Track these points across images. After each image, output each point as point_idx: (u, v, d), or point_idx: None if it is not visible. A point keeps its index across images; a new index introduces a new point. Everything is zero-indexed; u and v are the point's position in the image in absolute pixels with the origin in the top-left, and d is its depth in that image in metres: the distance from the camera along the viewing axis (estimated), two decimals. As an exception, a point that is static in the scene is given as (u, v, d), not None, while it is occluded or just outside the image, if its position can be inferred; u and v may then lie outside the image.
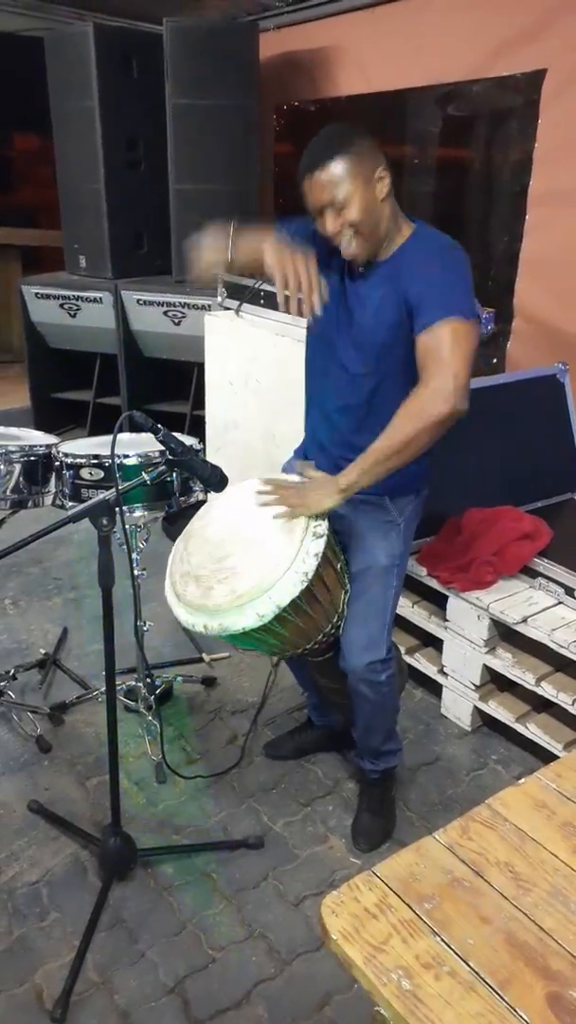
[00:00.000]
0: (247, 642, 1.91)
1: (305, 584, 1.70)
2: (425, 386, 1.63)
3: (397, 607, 2.04)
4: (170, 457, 1.76)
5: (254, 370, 3.21)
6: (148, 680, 2.52)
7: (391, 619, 2.00)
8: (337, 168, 1.68)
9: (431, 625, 2.63)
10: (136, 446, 2.23)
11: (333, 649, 1.98)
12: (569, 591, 2.36)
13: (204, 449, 3.52)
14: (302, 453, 2.11)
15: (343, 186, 1.69)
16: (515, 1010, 0.92)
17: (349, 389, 1.89)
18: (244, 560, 1.76)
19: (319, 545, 1.73)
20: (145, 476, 1.77)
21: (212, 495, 1.97)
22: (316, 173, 1.69)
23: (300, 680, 2.41)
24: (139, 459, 2.12)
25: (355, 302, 1.84)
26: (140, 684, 2.51)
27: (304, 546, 1.73)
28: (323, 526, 1.77)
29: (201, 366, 3.73)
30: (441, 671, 2.62)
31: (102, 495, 1.68)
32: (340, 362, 1.89)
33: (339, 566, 1.91)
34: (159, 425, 1.71)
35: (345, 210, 1.71)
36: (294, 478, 1.94)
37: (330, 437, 1.97)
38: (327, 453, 1.98)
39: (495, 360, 3.68)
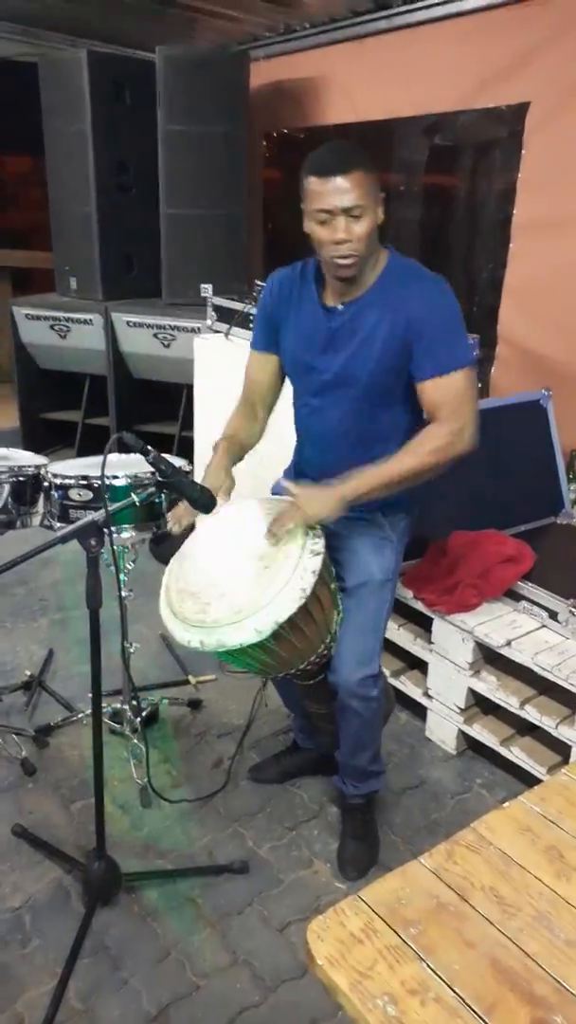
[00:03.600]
0: (240, 661, 1.91)
1: (303, 600, 1.71)
2: (447, 425, 1.77)
3: (389, 619, 2.07)
4: (160, 479, 1.77)
5: (242, 393, 3.23)
6: (134, 702, 2.51)
7: (383, 634, 2.02)
8: (361, 177, 1.71)
9: (416, 648, 2.64)
10: (125, 467, 2.24)
11: (323, 672, 1.98)
12: (552, 615, 2.38)
13: (192, 470, 3.53)
14: (291, 473, 2.13)
15: (364, 197, 1.72)
16: (500, 1036, 0.93)
17: (340, 418, 1.93)
18: (241, 577, 1.77)
19: (316, 563, 1.75)
20: (134, 497, 1.78)
21: (202, 516, 1.98)
22: (340, 176, 1.70)
23: (286, 701, 2.41)
24: (128, 480, 2.13)
25: (339, 334, 1.87)
26: (126, 707, 2.50)
27: (302, 563, 1.74)
28: (320, 544, 1.79)
29: (190, 388, 3.75)
30: (426, 694, 2.63)
31: (91, 516, 1.69)
32: (329, 397, 1.93)
33: (333, 587, 1.93)
34: (149, 447, 1.72)
35: (358, 222, 1.73)
36: (286, 498, 1.96)
37: (322, 461, 1.99)
38: (316, 476, 2.00)
39: (479, 385, 3.71)
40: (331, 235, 1.75)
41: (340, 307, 1.86)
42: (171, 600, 1.85)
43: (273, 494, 2.14)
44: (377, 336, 1.81)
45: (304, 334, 1.93)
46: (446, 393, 1.78)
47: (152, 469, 1.76)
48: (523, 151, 3.51)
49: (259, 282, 3.21)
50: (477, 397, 1.81)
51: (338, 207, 1.72)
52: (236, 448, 2.03)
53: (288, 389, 2.09)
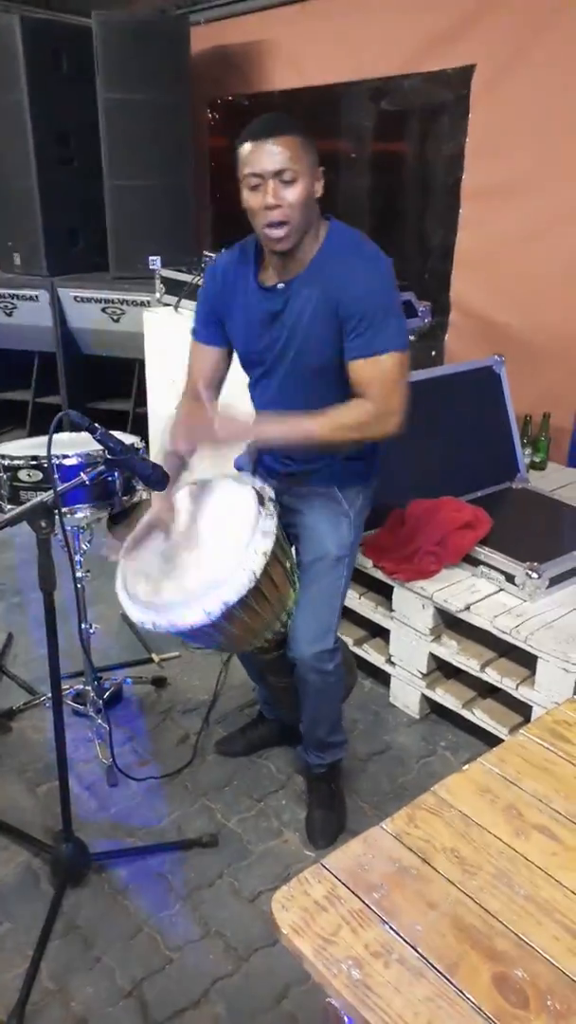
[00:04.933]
0: (196, 639, 1.91)
1: (253, 582, 1.71)
2: (373, 404, 1.75)
3: (347, 593, 2.08)
4: (109, 457, 1.74)
5: (195, 367, 3.19)
6: (96, 683, 2.49)
7: (339, 608, 2.03)
8: (292, 142, 1.67)
9: (378, 616, 2.66)
10: (76, 446, 2.20)
11: (282, 647, 1.98)
12: (510, 578, 2.41)
13: (147, 447, 3.49)
14: (255, 449, 2.11)
15: (294, 161, 1.67)
16: (463, 993, 0.94)
17: (287, 398, 1.90)
18: (193, 558, 1.77)
19: (267, 543, 1.74)
20: (84, 476, 1.75)
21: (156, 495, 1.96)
22: (270, 138, 1.66)
23: (251, 674, 2.42)
24: (79, 459, 2.09)
25: (279, 314, 1.84)
26: (88, 687, 2.48)
27: (253, 544, 1.74)
28: (271, 524, 1.78)
29: (142, 363, 3.70)
30: (389, 661, 2.65)
31: (39, 497, 1.66)
32: (274, 377, 1.91)
33: (288, 564, 1.92)
34: (96, 424, 1.69)
35: (289, 187, 1.68)
36: (246, 476, 1.96)
37: None
38: (273, 453, 2.02)
39: (434, 353, 3.72)
40: (261, 200, 1.69)
41: (280, 286, 1.82)
42: (126, 581, 1.85)
43: (236, 468, 2.12)
44: (315, 315, 1.78)
45: (247, 318, 1.90)
46: (373, 375, 1.75)
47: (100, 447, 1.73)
48: (470, 115, 3.49)
49: (208, 253, 3.17)
50: (407, 382, 1.77)
51: (268, 170, 1.67)
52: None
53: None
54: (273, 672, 2.11)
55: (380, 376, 1.75)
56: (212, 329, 1.98)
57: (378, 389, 1.75)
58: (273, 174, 1.67)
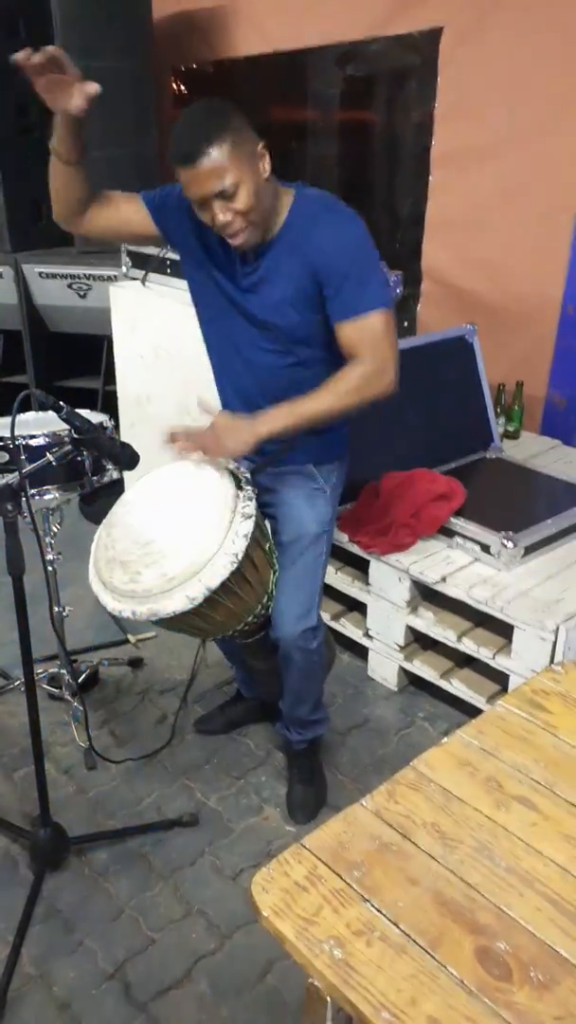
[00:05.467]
0: (175, 627, 1.88)
1: (235, 565, 1.68)
2: (365, 365, 1.70)
3: (327, 569, 2.06)
4: (75, 436, 1.70)
5: (163, 342, 3.13)
6: (71, 666, 2.46)
7: (321, 585, 2.01)
8: (219, 154, 1.57)
9: (354, 590, 2.65)
10: (44, 426, 2.15)
11: (263, 630, 1.96)
12: (485, 548, 2.40)
13: (117, 425, 3.43)
14: None
15: (230, 173, 1.58)
16: (445, 967, 0.94)
17: (266, 373, 1.86)
18: (172, 543, 1.72)
19: (248, 526, 1.71)
20: (50, 457, 1.71)
21: (127, 475, 1.92)
22: (196, 162, 1.57)
23: (227, 655, 2.40)
24: (46, 439, 2.04)
25: (253, 285, 1.78)
26: (63, 671, 2.45)
27: (233, 527, 1.70)
28: (251, 506, 1.74)
29: (110, 339, 3.63)
30: (366, 634, 2.65)
31: (3, 479, 1.61)
32: (249, 347, 1.85)
33: (267, 546, 1.90)
34: (61, 403, 1.65)
35: (235, 199, 1.61)
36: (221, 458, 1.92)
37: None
38: None
39: (406, 323, 3.69)
40: (212, 219, 1.65)
41: (248, 263, 1.77)
42: (100, 570, 1.80)
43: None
44: (290, 283, 1.73)
45: (220, 267, 1.81)
46: (362, 335, 1.70)
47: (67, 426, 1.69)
48: (438, 79, 3.42)
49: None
50: (396, 339, 1.74)
51: (208, 194, 1.61)
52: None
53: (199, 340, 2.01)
54: (253, 655, 2.09)
55: (368, 337, 1.70)
56: (157, 204, 1.85)
57: (369, 349, 1.70)
58: (214, 195, 1.61)
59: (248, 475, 1.84)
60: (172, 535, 1.74)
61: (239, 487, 1.77)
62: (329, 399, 1.72)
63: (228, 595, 1.76)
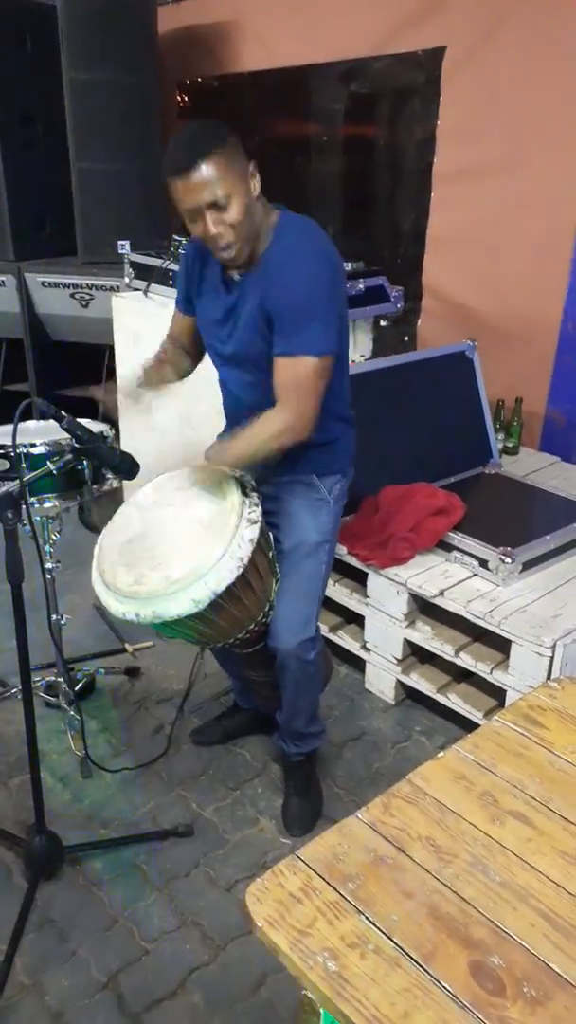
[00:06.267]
0: (177, 632, 1.88)
1: (241, 570, 1.69)
2: (288, 413, 1.76)
3: (327, 582, 2.07)
4: (76, 445, 1.71)
5: (166, 353, 3.15)
6: (68, 674, 2.46)
7: (320, 597, 2.02)
8: (214, 166, 1.62)
9: (352, 602, 2.66)
10: (45, 434, 2.16)
11: (262, 641, 1.97)
12: (483, 563, 2.41)
13: (118, 435, 3.44)
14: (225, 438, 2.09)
15: (222, 185, 1.63)
16: (439, 982, 0.94)
17: (247, 396, 1.92)
18: (177, 547, 1.74)
19: (254, 531, 1.73)
20: (51, 466, 1.72)
21: (127, 485, 1.93)
22: (191, 173, 1.62)
23: (224, 667, 2.40)
24: (47, 448, 2.05)
25: (234, 314, 1.83)
26: (60, 679, 2.45)
27: (239, 532, 1.71)
28: (257, 512, 1.76)
29: (112, 349, 3.64)
30: (364, 647, 2.65)
31: (4, 487, 1.62)
32: (233, 371, 1.92)
33: (271, 554, 1.91)
34: (63, 412, 1.66)
35: (226, 211, 1.66)
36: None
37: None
38: None
39: (407, 338, 3.71)
40: (204, 231, 1.69)
41: (237, 279, 1.82)
42: (103, 572, 1.80)
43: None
44: (255, 311, 1.76)
45: (209, 307, 1.89)
46: (290, 376, 1.74)
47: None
48: (441, 97, 3.46)
49: (177, 236, 3.12)
50: (323, 387, 1.77)
51: (200, 205, 1.65)
52: (173, 355, 2.04)
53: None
54: (252, 666, 2.10)
55: (296, 380, 1.75)
56: (188, 303, 1.98)
57: (292, 395, 1.75)
58: (207, 206, 1.65)
59: (253, 482, 1.86)
60: (178, 538, 1.75)
61: (245, 493, 1.79)
62: (252, 446, 1.78)
63: (232, 600, 1.77)
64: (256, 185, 1.71)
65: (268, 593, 1.91)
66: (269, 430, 1.77)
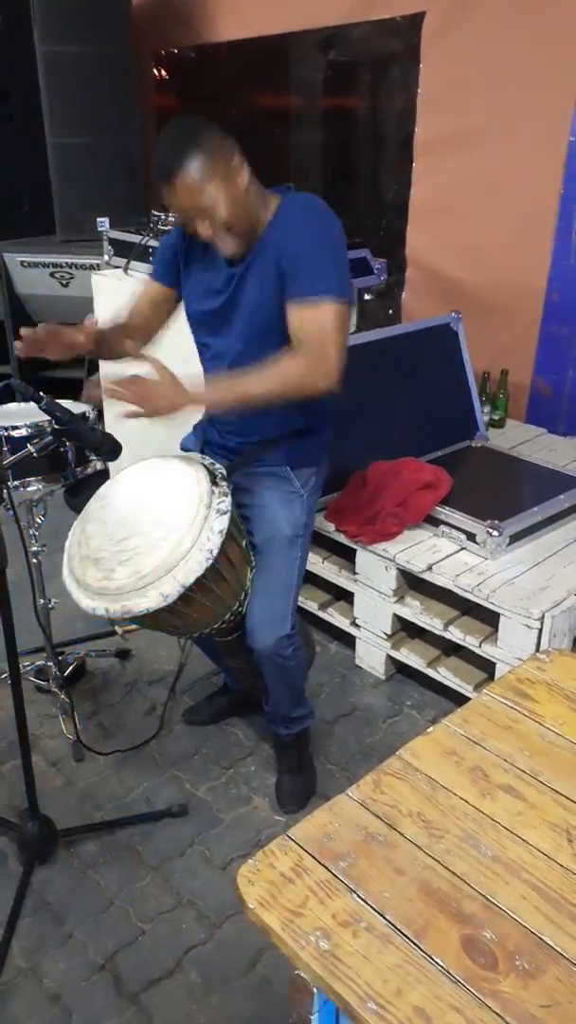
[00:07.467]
0: (153, 625, 1.87)
1: (210, 562, 1.67)
2: (310, 358, 1.65)
3: (303, 577, 2.03)
4: (56, 427, 1.68)
5: (148, 332, 3.11)
6: (58, 658, 2.45)
7: (296, 592, 1.98)
8: (193, 172, 1.61)
9: (341, 579, 2.65)
10: (26, 416, 2.13)
11: (240, 628, 1.95)
12: (471, 537, 2.41)
13: (101, 416, 3.41)
14: (201, 429, 2.06)
15: (206, 190, 1.62)
16: (431, 957, 0.94)
17: (237, 368, 1.84)
18: (146, 540, 1.70)
19: (223, 522, 1.70)
20: (31, 448, 1.69)
21: (112, 466, 1.91)
22: (173, 181, 1.62)
23: (207, 652, 2.38)
24: (28, 430, 2.03)
25: (237, 286, 1.79)
26: (50, 663, 2.44)
27: (208, 523, 1.68)
28: (226, 502, 1.73)
29: (93, 329, 3.60)
30: (353, 623, 2.65)
31: (-14, 471, 1.60)
32: (226, 343, 1.85)
33: (243, 543, 1.88)
34: (41, 393, 1.63)
35: (213, 213, 1.65)
36: (193, 454, 1.91)
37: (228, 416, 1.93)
38: (218, 428, 2.00)
39: (391, 311, 3.68)
40: (201, 235, 1.69)
41: (235, 265, 1.78)
42: (73, 568, 1.78)
43: (182, 449, 2.07)
44: (263, 282, 1.73)
45: (207, 284, 1.85)
46: (309, 324, 1.66)
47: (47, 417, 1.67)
48: (421, 65, 3.40)
49: (156, 212, 3.07)
50: (346, 338, 1.68)
51: (186, 210, 1.66)
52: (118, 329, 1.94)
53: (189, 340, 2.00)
54: (232, 654, 2.08)
55: (316, 328, 1.65)
56: (167, 268, 1.93)
57: (313, 341, 1.65)
58: (193, 211, 1.66)
59: (224, 472, 1.82)
60: (146, 532, 1.71)
61: (214, 483, 1.75)
62: (268, 386, 1.66)
63: (204, 592, 1.75)
64: (244, 178, 1.68)
65: (243, 582, 1.88)
66: (285, 373, 1.65)
